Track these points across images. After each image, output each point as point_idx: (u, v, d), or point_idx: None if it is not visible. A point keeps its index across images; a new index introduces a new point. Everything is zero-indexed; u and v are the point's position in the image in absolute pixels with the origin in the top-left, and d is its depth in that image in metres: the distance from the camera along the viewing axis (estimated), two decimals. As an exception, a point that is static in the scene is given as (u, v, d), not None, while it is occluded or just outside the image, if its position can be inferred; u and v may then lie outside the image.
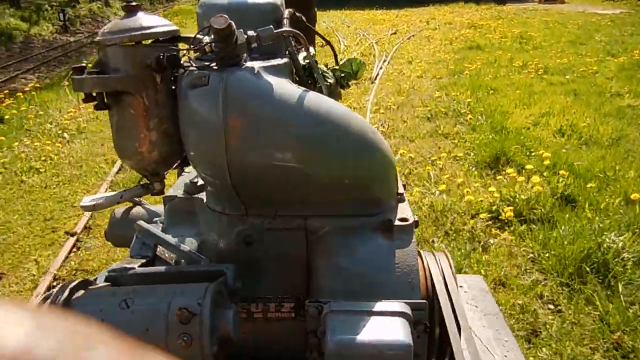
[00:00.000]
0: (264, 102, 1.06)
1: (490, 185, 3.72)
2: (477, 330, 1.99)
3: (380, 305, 1.02)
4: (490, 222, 3.21)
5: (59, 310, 0.96)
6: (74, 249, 3.15)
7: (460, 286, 2.19)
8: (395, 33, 12.56)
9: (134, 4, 1.13)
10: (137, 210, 1.58)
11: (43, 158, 4.64)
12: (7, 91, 7.87)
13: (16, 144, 5.02)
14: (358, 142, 1.12)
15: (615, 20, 12.91)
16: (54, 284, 2.81)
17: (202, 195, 1.35)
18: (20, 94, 6.99)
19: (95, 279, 1.13)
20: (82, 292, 1.03)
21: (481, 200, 3.41)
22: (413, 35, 12.02)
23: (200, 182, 1.37)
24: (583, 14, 14.50)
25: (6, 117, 5.92)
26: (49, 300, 1.00)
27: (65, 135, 5.29)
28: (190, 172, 1.50)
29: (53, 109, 6.38)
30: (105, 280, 1.09)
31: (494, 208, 3.33)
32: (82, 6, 21.71)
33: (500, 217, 3.24)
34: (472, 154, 4.35)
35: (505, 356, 1.87)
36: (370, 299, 1.04)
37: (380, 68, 8.51)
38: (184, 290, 0.99)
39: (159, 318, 0.94)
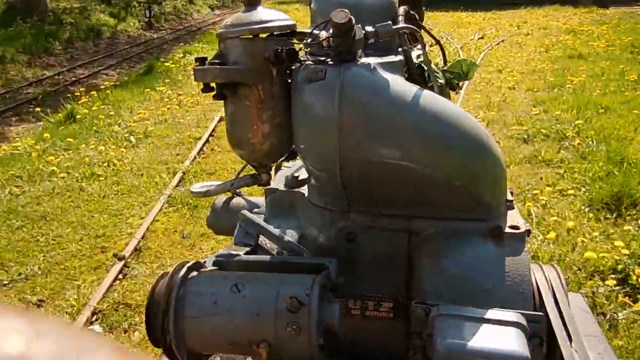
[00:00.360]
0: (380, 99, 1.05)
1: (613, 233, 3.01)
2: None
3: (492, 313, 0.97)
4: (616, 287, 2.53)
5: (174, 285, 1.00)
6: (120, 276, 2.84)
7: (567, 291, 2.10)
8: (482, 38, 11.64)
9: None
10: (237, 200, 1.60)
11: (106, 163, 4.46)
12: (83, 88, 8.02)
13: (83, 146, 4.91)
14: (473, 144, 1.10)
15: None
16: (92, 319, 2.51)
17: (303, 190, 1.35)
18: (95, 92, 7.01)
19: (204, 262, 1.13)
20: (195, 273, 1.05)
21: (603, 256, 2.73)
22: (502, 41, 11.06)
23: (302, 176, 1.38)
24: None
25: (78, 116, 5.89)
26: (166, 278, 1.02)
27: (132, 139, 5.12)
28: (290, 167, 1.52)
29: (124, 109, 6.30)
30: (213, 265, 1.11)
31: (619, 267, 2.64)
32: (167, 3, 22.41)
33: (629, 281, 2.55)
34: (583, 190, 3.61)
35: None
36: (479, 306, 1.00)
37: (466, 76, 7.76)
38: (292, 280, 1.00)
39: (268, 304, 0.95)
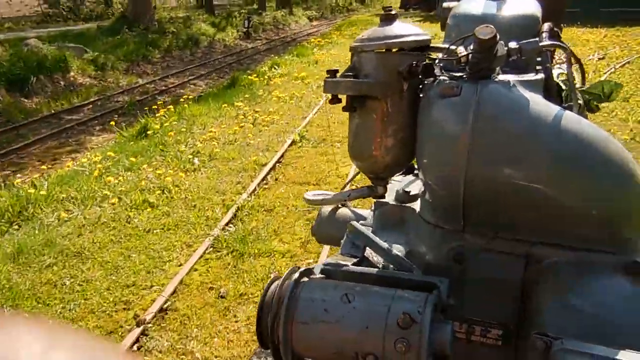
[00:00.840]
0: (517, 117, 1.00)
1: None
2: None
3: (625, 355, 0.88)
4: None
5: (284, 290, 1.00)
6: (134, 348, 2.36)
7: None
8: (603, 58, 10.18)
9: (393, 12, 1.14)
10: (343, 211, 1.57)
11: (161, 190, 4.11)
12: (162, 99, 7.93)
13: (145, 166, 4.63)
14: (615, 170, 1.01)
15: None
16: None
17: (414, 205, 1.33)
18: (172, 106, 6.86)
19: (313, 269, 1.10)
20: (306, 278, 1.05)
21: None
22: (628, 62, 9.57)
23: (413, 192, 1.37)
24: None
25: (150, 131, 5.68)
26: (278, 281, 1.03)
27: (196, 161, 4.76)
28: (400, 181, 1.49)
29: (198, 125, 6.03)
30: (321, 272, 1.09)
31: None
32: (267, 14, 22.81)
33: None
34: None
35: None
36: (608, 345, 0.90)
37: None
38: (404, 296, 0.97)
39: (379, 318, 0.93)
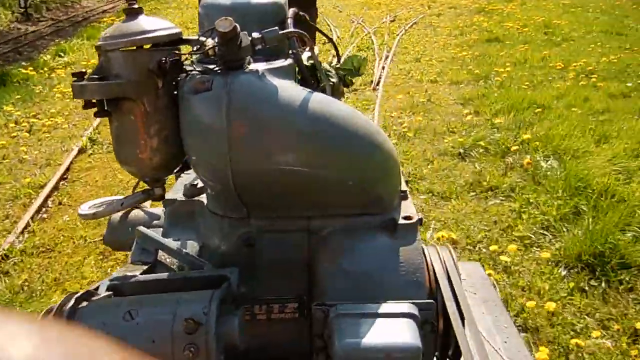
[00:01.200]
0: (268, 106, 1.04)
1: (600, 311, 2.21)
2: (477, 317, 1.86)
3: (387, 307, 1.01)
4: None
5: (63, 322, 0.91)
6: None
7: (459, 272, 2.21)
8: (394, 20, 10.89)
9: (135, 6, 1.08)
10: (136, 213, 1.50)
11: None
12: None
13: None
14: (363, 143, 1.11)
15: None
16: None
17: (202, 198, 1.31)
18: None
19: (97, 288, 1.05)
20: (85, 303, 0.99)
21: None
22: (415, 24, 10.36)
23: (200, 184, 1.34)
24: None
25: None
26: (52, 313, 0.96)
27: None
28: (189, 174, 1.45)
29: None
30: (107, 290, 1.05)
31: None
32: (49, -10, 19.63)
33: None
34: (549, 237, 2.82)
35: (505, 342, 1.88)
36: (377, 301, 1.03)
37: (383, 68, 6.90)
38: (189, 299, 0.96)
39: (164, 329, 0.92)
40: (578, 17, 9.86)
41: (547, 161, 3.57)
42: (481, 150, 3.96)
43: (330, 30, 9.39)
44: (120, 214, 1.50)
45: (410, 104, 5.28)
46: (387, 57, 7.42)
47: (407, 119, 4.85)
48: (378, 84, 6.20)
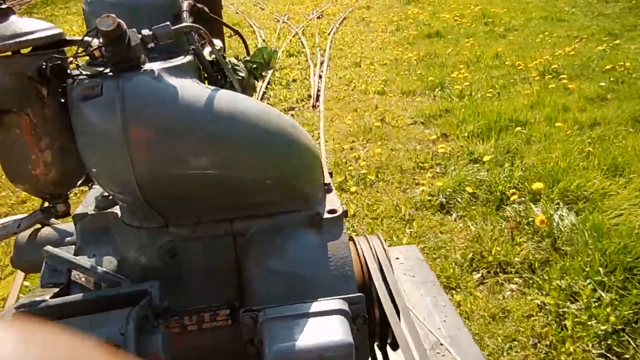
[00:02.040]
0: (168, 108, 0.96)
1: None
2: (416, 299, 2.05)
3: (316, 306, 0.99)
4: None
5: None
6: None
7: (397, 258, 2.27)
8: (321, 17, 9.92)
9: (4, 6, 0.99)
10: (46, 231, 1.38)
11: None
12: None
13: None
14: (277, 139, 1.05)
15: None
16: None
17: (117, 209, 1.22)
18: None
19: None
20: None
21: None
22: (345, 19, 9.45)
23: None
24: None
25: None
26: None
27: None
28: None
29: None
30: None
31: None
32: None
33: None
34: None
35: (445, 321, 1.92)
36: (306, 300, 1.01)
37: (320, 77, 5.89)
38: (104, 321, 0.91)
39: None
40: (511, 3, 9.37)
41: (562, 216, 2.70)
42: (468, 198, 3.03)
43: (255, 32, 8.23)
44: (27, 232, 1.37)
45: (362, 127, 4.32)
46: (322, 62, 6.42)
47: (362, 151, 3.88)
48: (317, 99, 5.19)
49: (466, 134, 3.89)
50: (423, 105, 4.76)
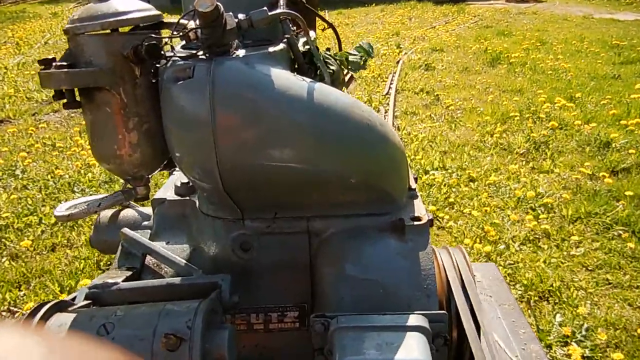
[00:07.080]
0: (257, 95, 0.95)
1: None
2: (493, 322, 1.94)
3: (393, 319, 0.93)
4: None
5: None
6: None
7: (474, 275, 2.10)
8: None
9: None
10: (126, 212, 1.40)
11: None
12: None
13: None
14: (366, 136, 1.03)
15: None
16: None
17: (195, 197, 1.23)
18: None
19: (74, 298, 0.96)
20: (57, 315, 0.90)
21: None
22: (397, 91, 6.67)
23: None
24: (586, 19, 10.15)
25: None
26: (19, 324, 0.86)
27: None
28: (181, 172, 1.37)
29: None
30: (86, 298, 0.97)
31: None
32: None
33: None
34: None
35: (523, 348, 1.81)
36: (382, 311, 0.96)
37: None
38: (172, 311, 0.88)
39: (143, 346, 0.83)
40: (576, 46, 7.21)
41: None
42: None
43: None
44: (109, 212, 1.39)
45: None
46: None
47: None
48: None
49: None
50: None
